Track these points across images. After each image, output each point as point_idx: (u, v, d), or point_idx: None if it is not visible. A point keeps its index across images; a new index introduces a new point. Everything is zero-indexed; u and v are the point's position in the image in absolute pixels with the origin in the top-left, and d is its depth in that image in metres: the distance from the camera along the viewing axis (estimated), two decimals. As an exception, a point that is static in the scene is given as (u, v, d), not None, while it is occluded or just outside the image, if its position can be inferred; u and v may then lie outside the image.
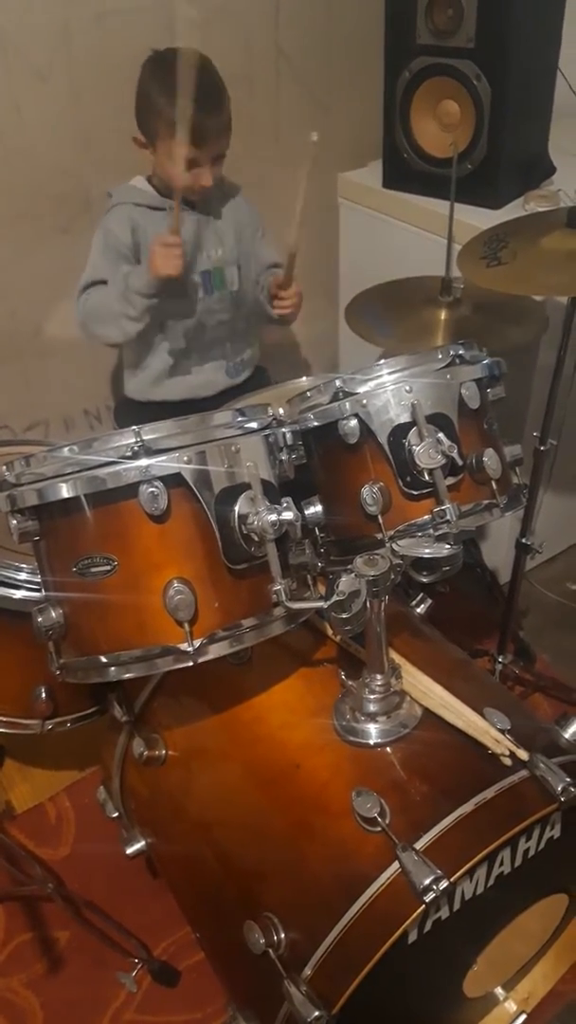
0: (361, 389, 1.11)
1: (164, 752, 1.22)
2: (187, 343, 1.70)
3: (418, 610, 1.35)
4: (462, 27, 1.63)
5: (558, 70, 1.78)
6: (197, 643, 0.98)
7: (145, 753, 1.21)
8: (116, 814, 1.35)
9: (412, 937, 0.94)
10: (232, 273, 1.71)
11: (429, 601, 1.36)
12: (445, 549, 1.03)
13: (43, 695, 1.34)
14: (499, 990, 1.27)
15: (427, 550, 1.03)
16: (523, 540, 1.56)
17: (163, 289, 1.57)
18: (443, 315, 1.46)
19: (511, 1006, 1.28)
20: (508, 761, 1.01)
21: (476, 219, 1.63)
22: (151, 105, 1.50)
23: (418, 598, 1.36)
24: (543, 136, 1.82)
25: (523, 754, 1.00)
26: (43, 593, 1.07)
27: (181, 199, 1.58)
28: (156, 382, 1.74)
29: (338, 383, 1.12)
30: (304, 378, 1.74)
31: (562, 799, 0.95)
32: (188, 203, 1.64)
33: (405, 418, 1.09)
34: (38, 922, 1.48)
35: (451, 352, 1.13)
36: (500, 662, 1.72)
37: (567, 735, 1.10)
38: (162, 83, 1.46)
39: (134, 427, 0.96)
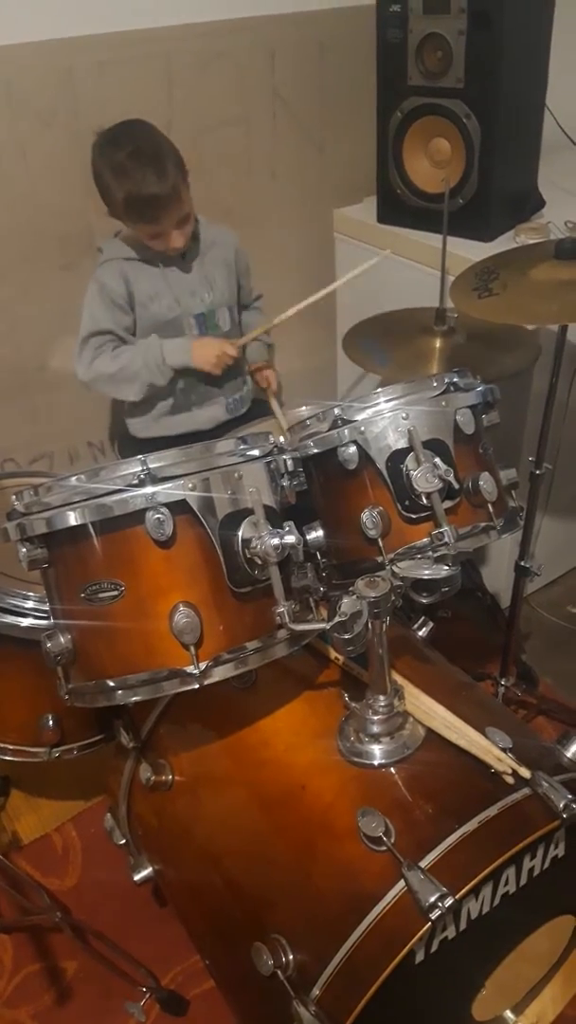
0: (359, 417, 1.14)
1: (171, 777, 1.23)
2: (185, 383, 1.74)
3: (420, 633, 1.37)
4: (451, 68, 1.69)
5: (545, 107, 1.84)
6: (203, 666, 1.00)
7: (152, 779, 1.22)
8: (123, 841, 1.36)
9: (420, 957, 0.95)
10: (224, 314, 1.76)
11: (431, 624, 1.37)
12: (444, 570, 1.05)
13: (50, 723, 1.35)
14: (509, 1014, 1.26)
15: (427, 571, 1.05)
16: (522, 563, 1.59)
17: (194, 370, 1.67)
18: (438, 344, 1.50)
19: (521, 1030, 1.28)
20: (511, 779, 1.02)
21: (468, 252, 1.67)
22: (105, 187, 1.56)
23: (419, 621, 1.38)
24: (532, 171, 1.87)
25: (525, 772, 1.02)
26: (51, 620, 1.09)
27: (168, 257, 1.66)
28: (157, 420, 1.78)
29: (337, 411, 1.15)
30: (304, 407, 1.79)
31: (564, 816, 0.96)
32: (173, 257, 1.69)
33: (402, 444, 1.12)
34: (46, 952, 1.47)
35: (446, 380, 1.16)
36: (503, 685, 1.73)
37: (569, 754, 1.11)
38: (110, 162, 1.53)
39: (140, 456, 0.99)
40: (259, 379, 1.87)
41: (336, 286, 1.64)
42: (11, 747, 1.41)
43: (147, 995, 1.36)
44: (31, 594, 1.28)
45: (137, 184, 1.51)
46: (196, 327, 1.73)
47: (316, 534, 1.20)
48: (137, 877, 1.31)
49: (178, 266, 1.70)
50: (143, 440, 1.81)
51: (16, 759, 1.41)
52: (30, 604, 1.28)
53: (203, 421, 1.79)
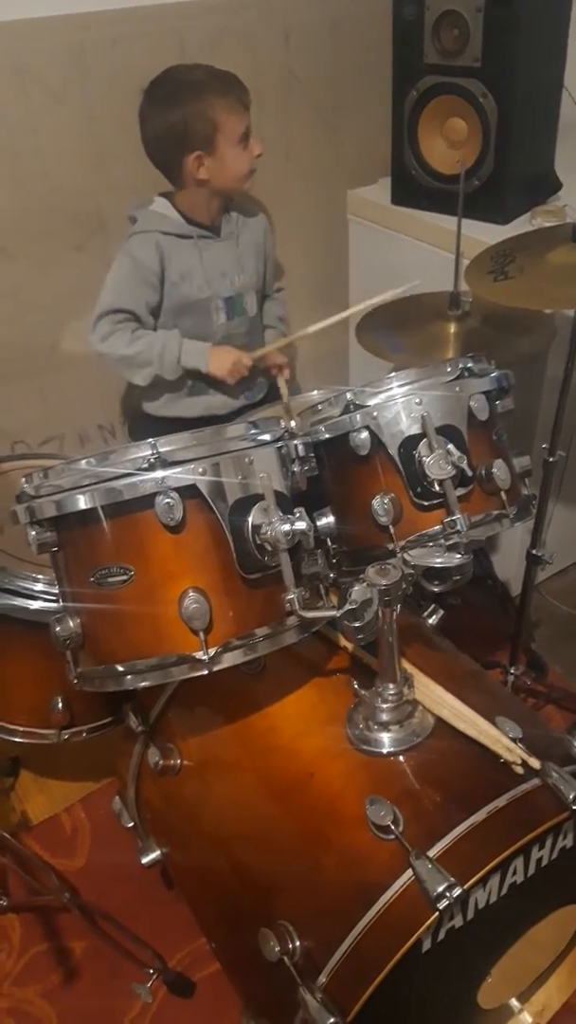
0: (372, 401, 1.13)
1: (179, 762, 1.23)
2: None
3: (430, 621, 1.36)
4: (468, 47, 1.66)
5: (563, 87, 1.80)
6: (212, 652, 0.99)
7: (160, 763, 1.22)
8: (131, 824, 1.36)
9: (426, 946, 0.95)
10: (251, 299, 1.75)
11: (441, 612, 1.37)
12: (456, 559, 1.04)
13: (60, 705, 1.36)
14: (514, 1002, 1.27)
15: (438, 560, 1.04)
16: (533, 551, 1.57)
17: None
18: (452, 328, 1.48)
19: (526, 1018, 1.28)
20: (520, 770, 1.01)
21: (484, 234, 1.65)
22: (200, 108, 1.53)
23: (430, 609, 1.37)
24: (549, 152, 1.84)
25: (535, 763, 1.01)
26: (61, 603, 1.08)
27: (206, 225, 1.64)
28: (173, 399, 1.77)
29: (349, 396, 1.14)
30: (315, 391, 1.77)
31: (574, 807, 0.96)
32: (212, 229, 1.68)
33: (415, 430, 1.10)
34: (54, 932, 1.48)
35: (460, 365, 1.14)
36: (512, 674, 1.72)
37: (579, 744, 1.10)
38: (202, 85, 1.54)
39: (150, 440, 0.99)
40: (272, 369, 1.84)
41: (356, 311, 1.62)
42: (21, 729, 1.42)
43: (154, 976, 1.37)
44: (40, 576, 1.28)
45: (216, 70, 1.56)
46: (224, 310, 1.71)
47: (327, 520, 1.20)
48: (145, 860, 1.31)
49: (213, 240, 1.68)
50: (157, 419, 1.80)
51: (26, 741, 1.42)
52: (39, 587, 1.28)
53: (218, 406, 1.78)
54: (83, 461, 1.00)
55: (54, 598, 1.19)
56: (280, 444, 1.08)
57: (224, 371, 1.65)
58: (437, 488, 1.09)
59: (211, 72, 1.57)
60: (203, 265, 1.66)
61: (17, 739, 1.42)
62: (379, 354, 1.53)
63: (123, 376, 1.72)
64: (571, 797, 0.96)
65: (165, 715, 1.28)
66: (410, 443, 1.10)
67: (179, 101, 1.54)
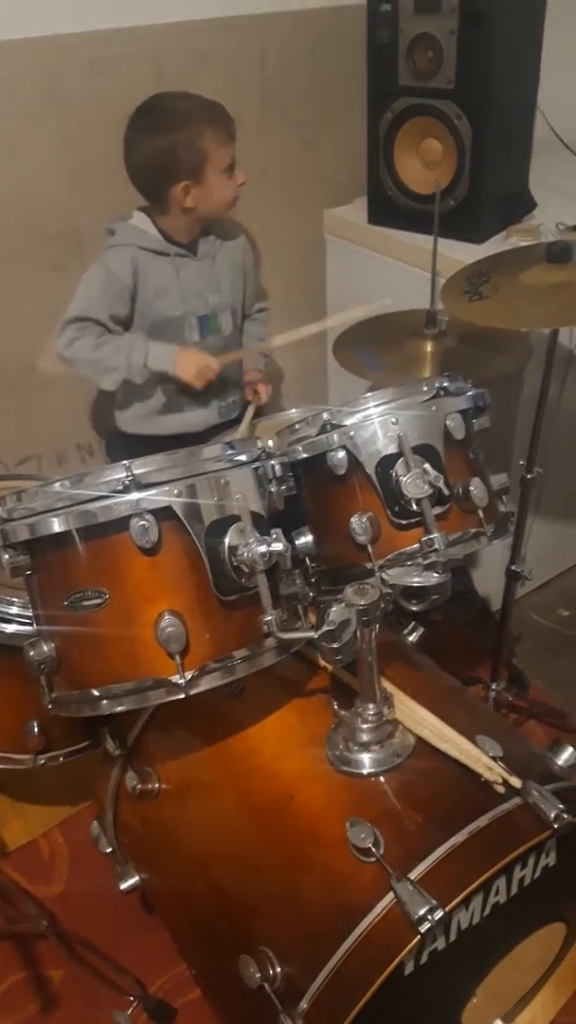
0: (348, 421, 1.12)
1: (157, 785, 1.21)
2: (180, 384, 1.72)
3: (410, 639, 1.36)
4: (442, 69, 1.67)
5: (537, 107, 1.83)
6: (189, 675, 0.98)
7: (138, 787, 1.21)
8: (110, 849, 1.34)
9: (409, 968, 0.94)
10: (226, 318, 1.75)
11: (421, 630, 1.36)
12: (434, 577, 1.04)
13: (35, 730, 1.33)
14: (499, 1023, 1.25)
15: (416, 579, 1.04)
16: (513, 567, 1.58)
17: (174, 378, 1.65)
18: (429, 347, 1.49)
19: (511, 1039, 1.27)
20: (501, 789, 1.01)
21: (460, 253, 1.66)
22: (189, 137, 1.54)
23: (410, 627, 1.37)
24: (523, 172, 1.86)
25: (516, 781, 1.01)
26: (35, 627, 1.07)
27: (184, 244, 1.64)
28: (148, 417, 1.76)
29: (326, 415, 1.13)
30: (293, 410, 1.77)
31: (555, 826, 0.96)
32: (189, 248, 1.69)
33: (392, 449, 1.10)
34: (31, 961, 1.46)
35: (436, 384, 1.14)
36: (494, 689, 1.72)
37: (560, 762, 1.10)
38: (193, 115, 1.55)
39: (125, 462, 0.98)
40: (247, 389, 1.83)
41: (329, 324, 1.63)
42: (-4, 754, 1.39)
43: (134, 1003, 1.35)
44: (16, 600, 1.27)
45: (206, 100, 1.57)
46: (198, 328, 1.71)
47: (305, 539, 1.19)
48: (123, 886, 1.30)
49: (190, 260, 1.68)
50: (131, 436, 1.79)
51: (1, 767, 1.40)
52: (14, 610, 1.26)
53: (193, 423, 1.77)
54: (57, 483, 0.99)
55: (29, 621, 1.17)
56: (257, 465, 1.08)
57: (190, 374, 1.63)
58: (414, 507, 1.09)
59: (199, 101, 1.57)
60: (179, 282, 1.66)
61: (-8, 764, 1.39)
62: (356, 372, 1.53)
63: (92, 381, 1.70)
64: (552, 816, 0.96)
65: (143, 738, 1.26)
66: (387, 462, 1.10)
67: (168, 129, 1.54)
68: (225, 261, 1.74)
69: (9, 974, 1.45)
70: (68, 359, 1.64)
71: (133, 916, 1.45)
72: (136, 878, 1.30)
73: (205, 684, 1.00)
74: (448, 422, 1.13)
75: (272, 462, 1.10)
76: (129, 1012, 1.34)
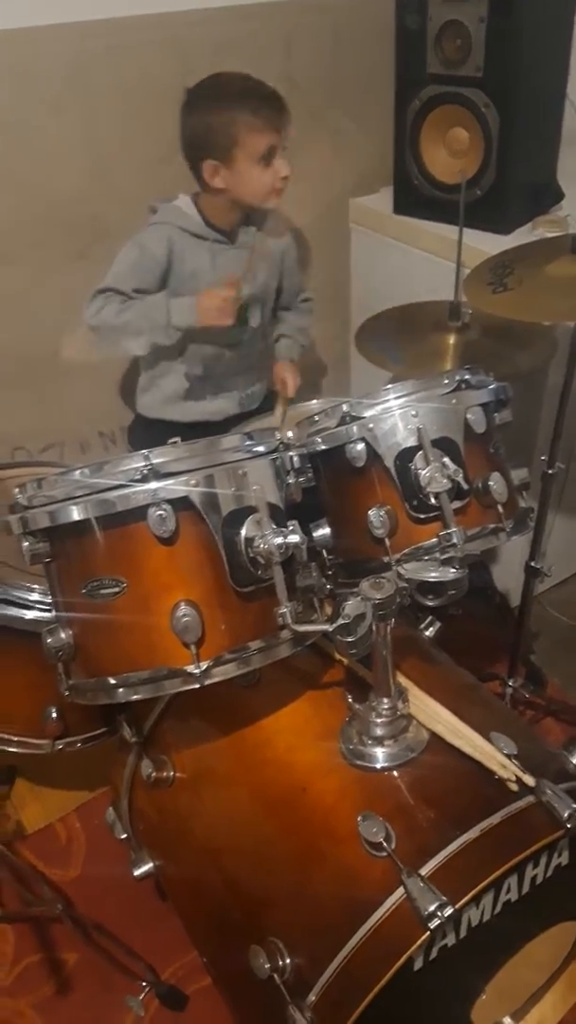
0: (368, 413, 1.12)
1: (172, 774, 1.22)
2: (204, 370, 1.72)
3: (427, 633, 1.35)
4: (471, 57, 1.65)
5: (566, 97, 1.80)
6: (204, 665, 0.99)
7: (153, 775, 1.21)
8: (124, 835, 1.35)
9: (418, 964, 0.94)
10: (256, 310, 1.74)
11: (438, 624, 1.35)
12: (451, 573, 1.03)
13: (54, 715, 1.35)
14: (508, 1020, 1.25)
15: (433, 574, 1.03)
16: (532, 564, 1.56)
17: (203, 329, 1.62)
18: (452, 340, 1.47)
19: (521, 1036, 1.26)
20: (514, 786, 1.00)
21: (486, 244, 1.64)
22: (221, 119, 1.53)
23: (427, 621, 1.36)
24: (551, 162, 1.84)
25: (530, 780, 1.00)
26: (53, 614, 1.08)
27: (223, 231, 1.64)
28: (169, 402, 1.76)
29: (345, 407, 1.13)
30: (314, 400, 1.77)
31: (568, 826, 0.95)
32: (228, 236, 1.68)
33: (411, 442, 1.10)
34: (47, 944, 1.48)
35: (457, 377, 1.14)
36: (511, 686, 1.71)
37: (575, 760, 1.09)
38: (230, 95, 1.53)
39: (144, 451, 0.98)
40: (276, 378, 1.82)
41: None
42: (15, 739, 1.40)
43: (147, 989, 1.37)
44: (36, 586, 1.28)
45: (254, 83, 1.54)
46: None
47: (323, 532, 1.19)
48: (137, 872, 1.30)
49: (227, 247, 1.67)
50: (151, 421, 1.79)
51: (20, 751, 1.41)
52: (35, 596, 1.28)
53: (213, 412, 1.78)
54: (77, 472, 1.00)
55: (49, 608, 1.18)
56: (275, 456, 1.07)
57: (214, 315, 1.60)
58: (433, 501, 1.08)
59: (248, 86, 1.55)
60: (214, 267, 1.66)
61: (11, 749, 1.40)
62: (379, 364, 1.52)
63: (123, 348, 1.70)
64: (565, 815, 0.95)
65: (159, 726, 1.27)
66: (406, 455, 1.10)
67: (206, 107, 1.54)
68: (265, 254, 1.73)
69: (25, 956, 1.47)
70: (95, 327, 1.64)
71: (147, 902, 1.46)
72: (150, 865, 1.31)
73: (219, 675, 1.00)
74: (469, 416, 1.12)
75: (290, 453, 1.10)
76: (141, 997, 1.35)
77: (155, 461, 0.97)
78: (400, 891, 0.92)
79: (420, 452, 1.09)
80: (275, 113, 1.55)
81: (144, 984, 1.37)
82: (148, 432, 1.80)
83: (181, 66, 1.65)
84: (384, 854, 0.95)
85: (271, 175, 1.58)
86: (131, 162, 1.66)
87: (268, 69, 1.75)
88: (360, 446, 1.11)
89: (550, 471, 1.46)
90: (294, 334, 1.87)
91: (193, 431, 1.28)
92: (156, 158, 1.71)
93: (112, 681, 1.02)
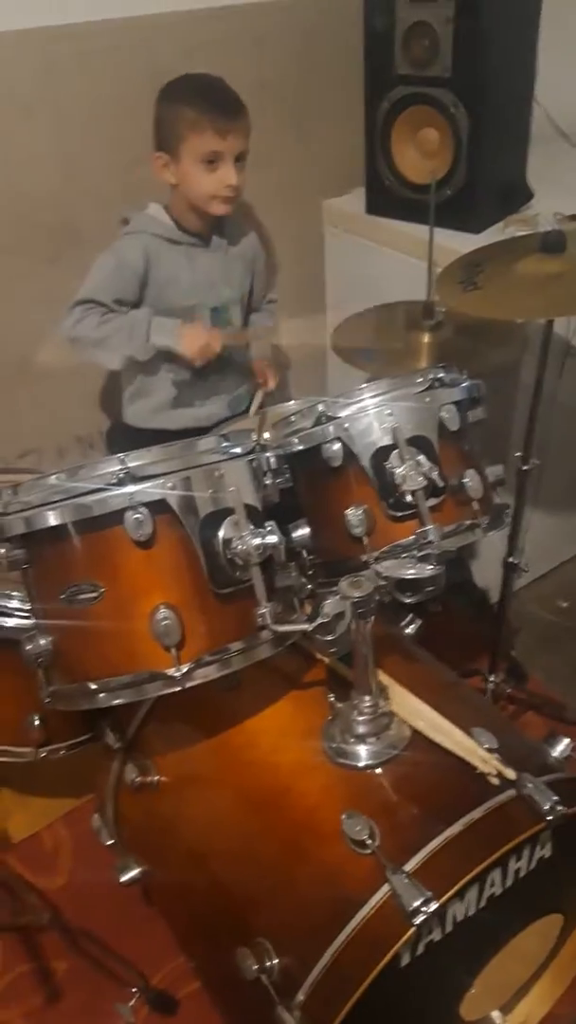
0: (343, 413, 1.13)
1: (157, 778, 1.22)
2: (191, 376, 1.72)
3: (408, 631, 1.35)
4: (439, 57, 1.66)
5: (534, 97, 1.81)
6: (184, 668, 0.99)
7: (138, 780, 1.21)
8: (111, 842, 1.35)
9: (405, 960, 0.94)
10: (237, 312, 1.75)
11: (419, 622, 1.36)
12: (428, 570, 1.04)
13: (36, 723, 1.34)
14: (496, 1014, 1.26)
15: (410, 571, 1.04)
16: (510, 559, 1.57)
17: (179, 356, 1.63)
18: (426, 338, 1.48)
19: (509, 1029, 1.27)
20: (496, 781, 1.01)
21: (458, 243, 1.65)
22: (171, 113, 1.54)
23: (407, 619, 1.36)
24: (521, 162, 1.85)
25: (511, 773, 1.01)
26: (32, 621, 1.07)
27: (196, 234, 1.64)
28: (158, 411, 1.76)
29: (321, 407, 1.14)
30: (292, 401, 1.77)
31: (549, 818, 0.95)
32: (202, 239, 1.68)
33: (387, 441, 1.10)
34: (36, 953, 1.46)
35: (431, 376, 1.14)
36: (492, 681, 1.72)
37: (555, 753, 1.10)
38: (183, 92, 1.54)
39: (119, 455, 0.98)
40: (257, 372, 1.83)
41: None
42: (-2, 747, 1.40)
43: (136, 995, 1.36)
44: (15, 593, 1.27)
45: (212, 86, 1.55)
46: (209, 319, 1.70)
47: (302, 532, 1.19)
48: (124, 878, 1.29)
49: (203, 250, 1.68)
50: (138, 430, 1.79)
51: (3, 759, 1.40)
52: (14, 603, 1.27)
53: (203, 417, 1.77)
54: (52, 477, 0.99)
55: (29, 615, 1.17)
56: (251, 457, 1.08)
57: (194, 350, 1.62)
58: (409, 499, 1.09)
59: (206, 87, 1.55)
60: (192, 271, 1.66)
61: (-6, 757, 1.40)
62: (355, 364, 1.53)
63: (97, 361, 1.70)
64: (546, 808, 0.96)
65: (143, 731, 1.26)
66: (382, 454, 1.10)
67: (164, 101, 1.55)
68: (238, 254, 1.74)
69: (14, 965, 1.46)
70: (74, 339, 1.63)
71: (136, 908, 1.46)
72: (136, 870, 1.29)
73: (200, 677, 1.00)
74: (443, 414, 1.13)
75: (267, 454, 1.10)
76: (131, 1004, 1.34)
77: (131, 465, 0.97)
78: (385, 888, 0.92)
79: (395, 451, 1.10)
80: (225, 119, 1.53)
81: (134, 990, 1.36)
82: (132, 441, 1.78)
83: (151, 69, 1.65)
84: (368, 852, 0.95)
85: (214, 181, 1.57)
86: (104, 166, 1.65)
87: (239, 71, 1.76)
88: (336, 446, 1.12)
89: (525, 467, 1.48)
90: (263, 334, 1.87)
91: (180, 438, 1.27)
92: (128, 162, 1.71)
93: (93, 686, 1.02)
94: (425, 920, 0.88)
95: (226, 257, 1.71)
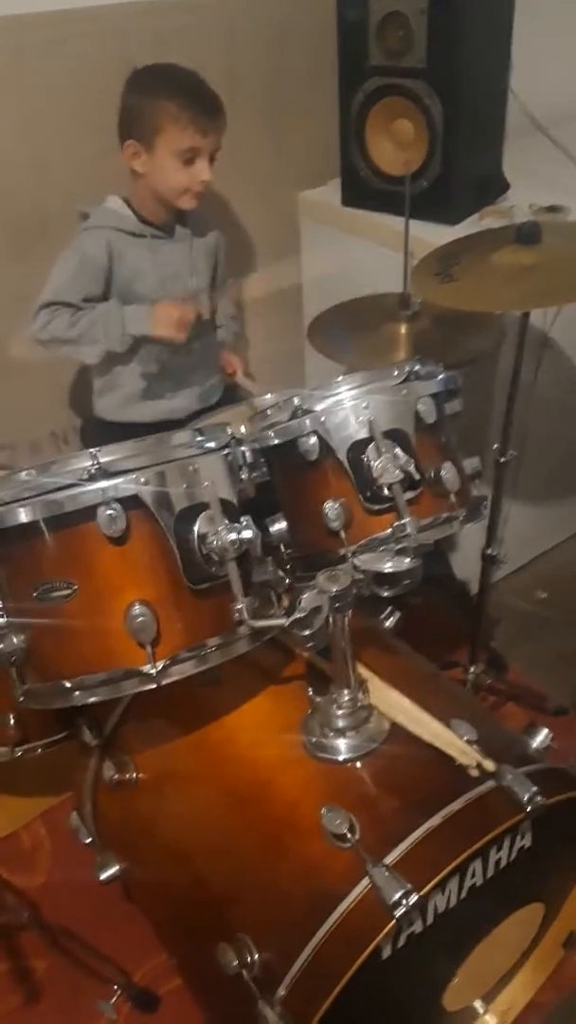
0: (319, 406, 1.12)
1: (135, 775, 1.21)
2: (159, 368, 1.70)
3: (387, 624, 1.35)
4: (413, 48, 1.66)
5: (509, 89, 1.81)
6: (160, 665, 0.98)
7: (116, 777, 1.20)
8: (89, 839, 1.34)
9: (386, 952, 0.94)
10: (203, 301, 1.73)
11: (398, 615, 1.36)
12: (405, 563, 1.03)
13: (11, 722, 1.32)
14: (478, 1003, 1.26)
15: (388, 564, 1.04)
16: (488, 551, 1.58)
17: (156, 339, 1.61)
18: (403, 329, 1.48)
19: (491, 1020, 1.28)
20: (475, 772, 1.01)
21: (434, 235, 1.65)
22: (150, 103, 1.51)
23: (387, 612, 1.36)
24: (496, 154, 1.85)
25: (490, 765, 1.01)
26: (4, 619, 1.06)
27: (159, 226, 1.62)
28: (128, 404, 1.74)
29: (297, 400, 1.12)
30: (269, 394, 1.76)
31: (528, 808, 0.96)
32: (165, 230, 1.66)
33: (363, 434, 1.10)
34: (14, 952, 1.45)
35: (407, 368, 1.14)
36: (472, 672, 1.72)
37: (535, 744, 1.11)
38: (163, 84, 1.52)
39: (91, 450, 0.97)
40: (225, 363, 1.84)
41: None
42: (-28, 747, 1.38)
43: (118, 992, 1.35)
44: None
45: (193, 81, 1.52)
46: None
47: (279, 526, 1.18)
48: (103, 876, 1.28)
49: (167, 241, 1.66)
50: (110, 424, 1.77)
51: (-22, 759, 1.39)
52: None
53: (175, 409, 1.76)
54: (23, 473, 0.98)
55: (1, 613, 1.16)
56: (226, 451, 1.07)
57: (171, 329, 1.60)
58: (386, 492, 1.08)
59: (187, 82, 1.54)
60: (156, 264, 1.64)
61: (-30, 758, 1.38)
62: (332, 356, 1.52)
63: (74, 359, 1.68)
64: (525, 798, 0.96)
65: (120, 728, 1.26)
66: (358, 447, 1.10)
67: (140, 89, 1.53)
68: (202, 245, 1.73)
69: (-8, 966, 1.45)
70: (45, 341, 1.61)
71: (117, 905, 1.45)
72: (115, 868, 1.28)
73: (177, 673, 0.99)
74: (419, 406, 1.12)
75: (243, 448, 1.09)
76: (113, 1001, 1.34)
77: (103, 460, 0.96)
78: (365, 881, 0.92)
79: (372, 444, 1.09)
80: (204, 115, 1.52)
81: (115, 987, 1.35)
82: (106, 434, 1.76)
83: (122, 59, 1.63)
84: (348, 845, 0.95)
85: (188, 176, 1.56)
86: (74, 158, 1.63)
87: (211, 62, 1.74)
88: (313, 439, 1.11)
89: (502, 459, 1.48)
90: (227, 323, 1.88)
91: (153, 431, 1.26)
92: (98, 152, 1.68)
93: (68, 685, 1.00)
94: (405, 913, 0.88)
95: (191, 247, 1.70)
